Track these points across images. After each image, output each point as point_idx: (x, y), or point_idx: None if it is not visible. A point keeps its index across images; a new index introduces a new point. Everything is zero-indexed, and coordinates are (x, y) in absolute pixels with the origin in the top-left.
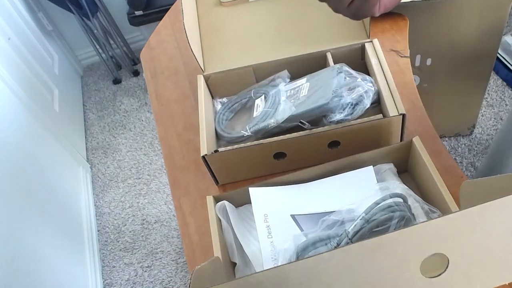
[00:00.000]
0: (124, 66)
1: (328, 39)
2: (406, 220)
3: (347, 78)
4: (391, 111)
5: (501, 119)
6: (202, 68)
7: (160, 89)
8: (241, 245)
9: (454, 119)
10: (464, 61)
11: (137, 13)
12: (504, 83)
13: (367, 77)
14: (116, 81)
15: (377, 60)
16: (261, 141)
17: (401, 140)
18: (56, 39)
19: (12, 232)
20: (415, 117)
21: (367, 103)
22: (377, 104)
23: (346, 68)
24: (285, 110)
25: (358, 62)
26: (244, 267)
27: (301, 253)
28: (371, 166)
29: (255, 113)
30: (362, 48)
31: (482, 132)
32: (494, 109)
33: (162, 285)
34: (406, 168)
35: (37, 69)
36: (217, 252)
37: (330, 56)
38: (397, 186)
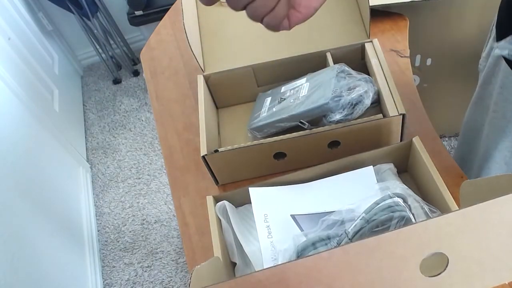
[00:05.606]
0: (124, 66)
1: (328, 39)
2: (406, 220)
3: (347, 78)
4: (391, 111)
5: None
6: (202, 68)
7: (160, 89)
8: (241, 245)
9: (454, 119)
10: (464, 61)
11: (137, 13)
12: None
13: (367, 77)
14: (116, 81)
15: (377, 60)
16: (261, 141)
17: (401, 140)
18: (56, 39)
19: (12, 232)
20: (415, 117)
21: (367, 103)
22: (377, 104)
23: (346, 68)
24: (284, 110)
25: (358, 62)
26: (244, 267)
27: (301, 253)
28: (371, 166)
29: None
30: (362, 48)
31: None
32: None
33: (162, 285)
34: (406, 168)
35: (37, 69)
36: (217, 252)
37: (330, 56)
38: (397, 186)
